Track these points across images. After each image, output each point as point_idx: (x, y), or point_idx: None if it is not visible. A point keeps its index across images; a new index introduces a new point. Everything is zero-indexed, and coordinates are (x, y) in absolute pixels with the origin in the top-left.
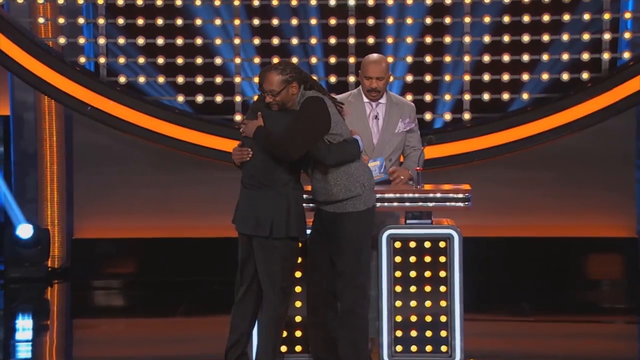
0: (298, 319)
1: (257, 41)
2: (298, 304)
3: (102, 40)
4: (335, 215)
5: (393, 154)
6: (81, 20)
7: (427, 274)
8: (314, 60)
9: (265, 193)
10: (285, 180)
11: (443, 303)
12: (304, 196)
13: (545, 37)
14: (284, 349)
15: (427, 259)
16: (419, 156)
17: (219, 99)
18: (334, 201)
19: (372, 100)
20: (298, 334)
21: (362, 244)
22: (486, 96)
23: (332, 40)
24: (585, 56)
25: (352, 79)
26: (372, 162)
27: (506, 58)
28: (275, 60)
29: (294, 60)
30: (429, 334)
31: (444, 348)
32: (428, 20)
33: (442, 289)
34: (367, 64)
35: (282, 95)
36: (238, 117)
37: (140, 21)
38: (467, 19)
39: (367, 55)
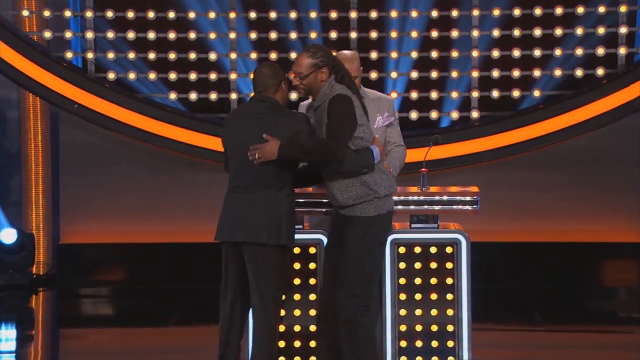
0: (297, 328)
1: (253, 35)
2: (297, 312)
3: (90, 35)
4: (345, 219)
5: None
6: (68, 13)
7: (433, 280)
8: None
9: (259, 198)
10: (280, 186)
11: (450, 312)
12: (303, 200)
13: (558, 31)
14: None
15: (433, 265)
16: (401, 152)
17: (213, 96)
18: (345, 206)
19: None
20: (297, 344)
21: (367, 251)
22: (495, 93)
23: (333, 35)
24: (600, 51)
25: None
26: None
27: (517, 53)
28: (273, 55)
29: (293, 55)
30: (435, 344)
31: (450, 359)
32: (434, 13)
33: (449, 296)
34: None
35: (309, 80)
36: None
37: (131, 14)
38: (476, 12)
39: (339, 51)
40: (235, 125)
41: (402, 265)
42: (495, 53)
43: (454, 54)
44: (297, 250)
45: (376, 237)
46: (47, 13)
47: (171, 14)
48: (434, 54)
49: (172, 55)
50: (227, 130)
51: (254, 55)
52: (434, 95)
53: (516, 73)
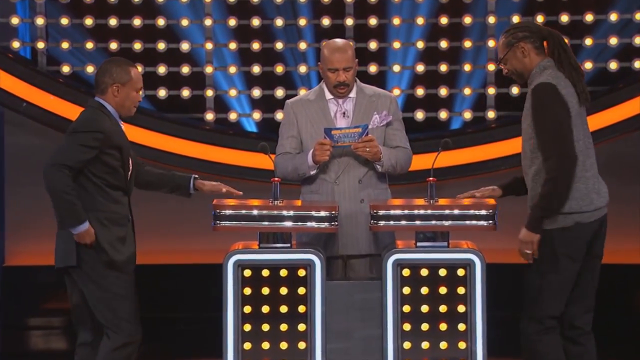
0: None
1: (232, 23)
2: (284, 345)
3: (40, 21)
4: None
5: None
6: None
7: (443, 308)
8: (303, 45)
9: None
10: None
11: (462, 344)
12: None
13: (589, 17)
14: None
15: (443, 290)
16: (403, 152)
17: (186, 93)
18: None
19: (340, 96)
20: None
21: (543, 269)
22: (515, 90)
23: (326, 22)
24: (638, 40)
25: None
26: (353, 127)
27: None
28: (256, 46)
29: (279, 45)
30: None
31: None
32: None
33: (461, 327)
34: (330, 53)
35: (510, 62)
36: (209, 116)
37: None
38: None
39: (329, 40)
40: None
41: (407, 290)
42: None
43: (467, 44)
44: (284, 272)
45: (553, 251)
46: None
47: None
48: (444, 44)
49: (137, 46)
50: None
51: (233, 46)
52: (443, 92)
53: None
